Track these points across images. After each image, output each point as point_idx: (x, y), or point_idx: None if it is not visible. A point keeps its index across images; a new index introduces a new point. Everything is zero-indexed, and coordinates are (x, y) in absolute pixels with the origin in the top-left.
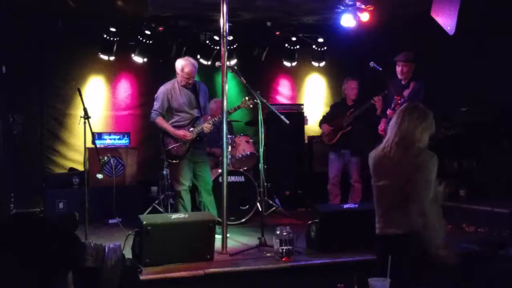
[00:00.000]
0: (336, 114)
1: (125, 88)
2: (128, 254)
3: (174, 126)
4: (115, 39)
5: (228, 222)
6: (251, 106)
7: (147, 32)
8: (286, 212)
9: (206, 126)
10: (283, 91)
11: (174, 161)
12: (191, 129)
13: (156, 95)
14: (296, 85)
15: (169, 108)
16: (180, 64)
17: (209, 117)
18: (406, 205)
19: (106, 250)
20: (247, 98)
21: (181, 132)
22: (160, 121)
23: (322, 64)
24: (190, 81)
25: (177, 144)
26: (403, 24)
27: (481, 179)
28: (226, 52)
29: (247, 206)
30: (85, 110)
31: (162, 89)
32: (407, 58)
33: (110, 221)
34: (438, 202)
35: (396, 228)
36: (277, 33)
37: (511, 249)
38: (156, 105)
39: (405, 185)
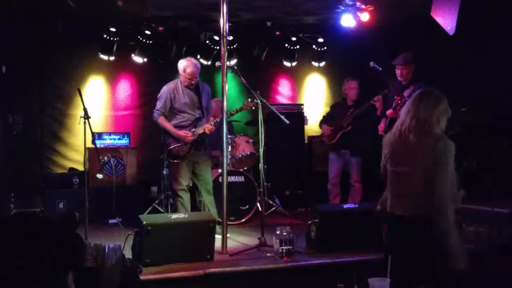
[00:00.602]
0: (336, 114)
1: (125, 88)
2: (128, 254)
3: (176, 127)
4: (115, 39)
5: (228, 222)
6: (253, 108)
7: (147, 32)
8: (286, 212)
9: (208, 127)
10: (283, 91)
11: (175, 161)
12: (193, 129)
13: (159, 95)
14: (296, 85)
15: (171, 108)
16: (182, 64)
17: (211, 118)
18: (422, 191)
19: (106, 250)
20: (249, 100)
21: (182, 133)
22: (162, 121)
23: (322, 64)
24: (192, 82)
25: (179, 145)
26: (403, 24)
27: (481, 179)
28: (226, 52)
29: (247, 206)
30: (85, 110)
31: (165, 89)
32: (406, 61)
33: (110, 221)
34: (455, 203)
35: (410, 211)
36: (277, 33)
37: None
38: (159, 104)
39: (424, 172)
